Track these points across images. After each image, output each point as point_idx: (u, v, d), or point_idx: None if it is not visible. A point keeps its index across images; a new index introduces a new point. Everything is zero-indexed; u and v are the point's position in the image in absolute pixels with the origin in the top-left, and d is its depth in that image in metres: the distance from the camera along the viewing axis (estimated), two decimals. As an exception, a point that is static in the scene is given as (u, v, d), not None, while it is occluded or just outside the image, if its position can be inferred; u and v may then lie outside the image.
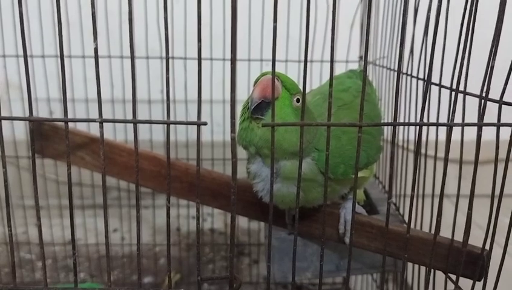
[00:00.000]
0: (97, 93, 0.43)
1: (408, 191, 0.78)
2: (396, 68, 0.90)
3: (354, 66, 1.22)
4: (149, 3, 1.23)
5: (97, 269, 1.35)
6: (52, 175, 1.48)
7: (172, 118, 0.62)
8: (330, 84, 0.44)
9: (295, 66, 1.19)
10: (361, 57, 1.20)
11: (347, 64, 1.20)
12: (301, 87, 0.60)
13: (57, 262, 1.37)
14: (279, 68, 0.75)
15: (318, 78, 1.21)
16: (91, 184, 1.45)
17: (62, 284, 1.26)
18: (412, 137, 0.83)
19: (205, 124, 0.43)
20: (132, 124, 0.44)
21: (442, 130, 0.65)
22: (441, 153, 0.59)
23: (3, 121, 0.45)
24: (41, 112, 1.36)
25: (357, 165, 0.46)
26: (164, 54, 1.20)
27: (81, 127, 1.14)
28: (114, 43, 1.23)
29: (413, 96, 0.82)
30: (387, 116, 0.97)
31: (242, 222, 1.57)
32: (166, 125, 0.44)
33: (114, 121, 0.44)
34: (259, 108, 0.55)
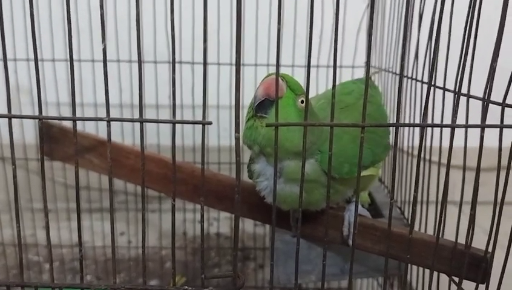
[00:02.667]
0: (105, 93, 0.44)
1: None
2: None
3: (361, 71, 1.23)
4: (157, 9, 1.24)
5: (104, 271, 1.36)
6: (60, 179, 1.50)
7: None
8: (333, 86, 0.45)
9: (302, 71, 1.20)
10: (367, 63, 1.20)
11: (353, 69, 1.21)
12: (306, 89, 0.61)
13: (64, 264, 1.38)
14: (286, 73, 0.76)
15: (324, 84, 1.22)
16: (98, 188, 1.46)
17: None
18: (417, 143, 0.83)
19: (210, 123, 0.44)
20: (139, 126, 0.45)
21: (446, 136, 0.65)
22: (445, 159, 0.59)
23: (13, 124, 0.46)
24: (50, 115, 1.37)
25: (360, 164, 0.47)
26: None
27: (89, 130, 1.15)
28: (123, 47, 1.25)
29: (417, 100, 0.83)
30: (393, 121, 0.97)
31: (248, 226, 1.58)
32: (171, 125, 0.45)
33: (121, 120, 0.45)
34: (263, 106, 0.56)
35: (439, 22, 0.49)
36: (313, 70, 1.22)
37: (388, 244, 0.53)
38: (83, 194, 1.54)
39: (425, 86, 0.78)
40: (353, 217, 0.69)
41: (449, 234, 0.68)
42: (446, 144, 0.57)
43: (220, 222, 1.56)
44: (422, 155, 0.82)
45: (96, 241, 1.42)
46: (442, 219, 0.55)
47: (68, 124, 1.04)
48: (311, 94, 0.85)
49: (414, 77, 0.82)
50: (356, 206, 0.52)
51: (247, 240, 1.55)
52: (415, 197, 0.50)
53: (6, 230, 1.38)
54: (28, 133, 1.31)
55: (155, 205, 1.43)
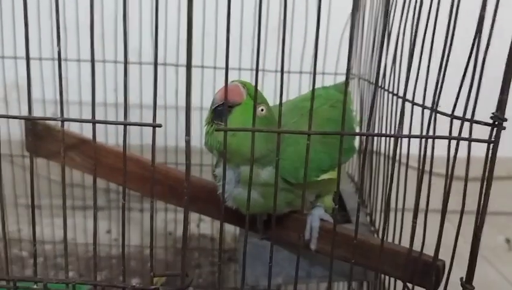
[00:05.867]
0: (60, 93, 0.46)
1: (382, 206, 0.79)
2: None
3: (343, 78, 1.24)
4: (144, 10, 1.26)
5: (86, 268, 1.38)
6: (44, 173, 1.51)
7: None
8: (281, 94, 0.47)
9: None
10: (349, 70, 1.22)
11: (335, 76, 1.23)
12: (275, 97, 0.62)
13: (47, 261, 1.39)
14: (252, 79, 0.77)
15: (306, 90, 1.23)
16: (81, 185, 1.48)
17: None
18: (404, 151, 0.84)
19: (159, 126, 0.46)
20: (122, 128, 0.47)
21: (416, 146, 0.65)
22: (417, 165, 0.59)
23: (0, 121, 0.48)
24: (36, 112, 1.39)
25: (307, 171, 0.48)
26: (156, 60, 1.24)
27: (73, 128, 1.17)
28: (109, 47, 1.26)
29: (389, 111, 0.84)
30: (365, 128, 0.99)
31: (232, 227, 1.59)
32: (123, 126, 0.47)
33: (75, 120, 0.47)
34: (221, 112, 0.57)
35: (383, 33, 0.50)
36: (296, 76, 1.24)
37: (335, 246, 0.54)
38: (66, 191, 1.55)
39: (396, 98, 0.79)
40: (314, 221, 0.70)
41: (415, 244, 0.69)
42: (415, 151, 0.57)
43: (206, 223, 1.58)
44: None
45: (78, 238, 1.43)
46: (384, 223, 0.56)
47: (52, 122, 1.05)
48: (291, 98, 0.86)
49: (391, 90, 0.82)
50: (303, 211, 0.53)
51: (231, 241, 1.56)
52: (359, 203, 0.51)
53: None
54: (13, 129, 1.32)
55: (137, 204, 1.45)
